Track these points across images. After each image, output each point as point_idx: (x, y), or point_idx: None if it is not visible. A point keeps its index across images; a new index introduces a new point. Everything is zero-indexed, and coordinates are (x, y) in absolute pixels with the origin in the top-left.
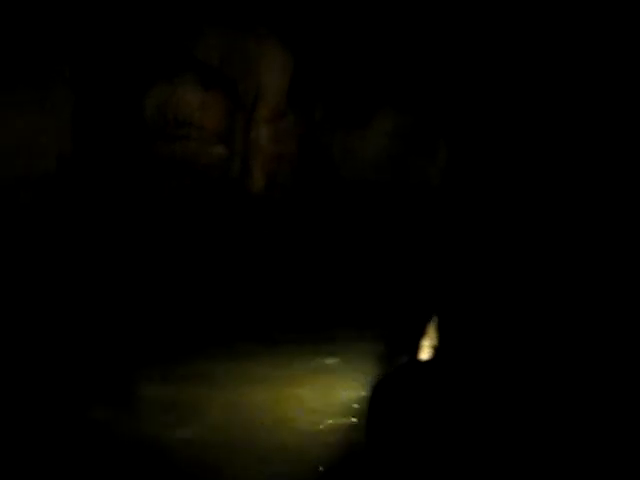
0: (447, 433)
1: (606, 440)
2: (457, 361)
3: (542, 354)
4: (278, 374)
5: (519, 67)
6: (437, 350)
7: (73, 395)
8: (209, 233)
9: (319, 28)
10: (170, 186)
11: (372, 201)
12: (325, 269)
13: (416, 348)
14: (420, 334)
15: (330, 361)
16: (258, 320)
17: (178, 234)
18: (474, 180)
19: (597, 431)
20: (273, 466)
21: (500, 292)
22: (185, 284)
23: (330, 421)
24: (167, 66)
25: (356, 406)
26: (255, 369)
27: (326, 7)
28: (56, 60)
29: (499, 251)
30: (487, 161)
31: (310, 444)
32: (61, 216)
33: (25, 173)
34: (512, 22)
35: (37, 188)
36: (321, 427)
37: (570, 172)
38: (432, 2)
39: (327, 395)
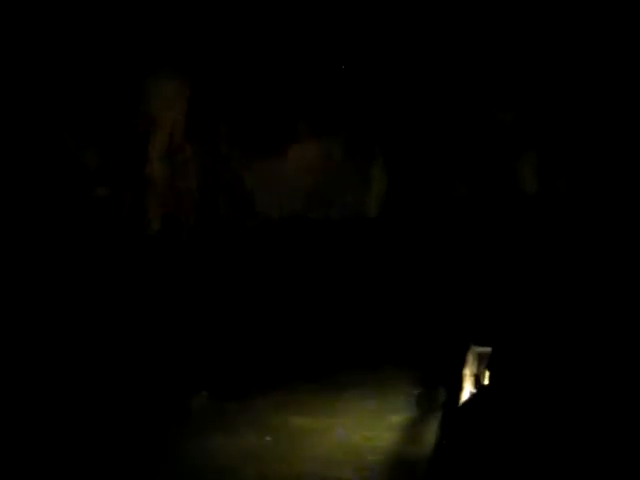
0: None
1: None
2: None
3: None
4: None
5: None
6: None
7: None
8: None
9: (218, 51)
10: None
11: (293, 238)
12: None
13: (459, 377)
14: (460, 364)
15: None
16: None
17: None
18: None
19: None
20: None
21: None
22: None
23: None
24: None
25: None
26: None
27: (227, 29)
28: None
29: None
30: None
31: None
32: None
33: None
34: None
35: None
36: None
37: None
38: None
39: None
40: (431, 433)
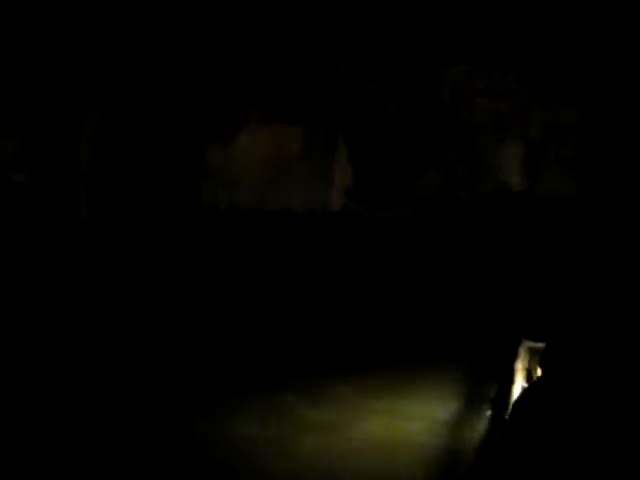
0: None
1: None
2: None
3: None
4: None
5: None
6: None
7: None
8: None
9: (163, 30)
10: None
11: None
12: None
13: (511, 372)
14: (512, 358)
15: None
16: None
17: None
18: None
19: None
20: None
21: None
22: None
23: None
24: None
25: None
26: None
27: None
28: None
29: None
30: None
31: None
32: None
33: None
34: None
35: None
36: None
37: None
38: None
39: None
40: (481, 426)
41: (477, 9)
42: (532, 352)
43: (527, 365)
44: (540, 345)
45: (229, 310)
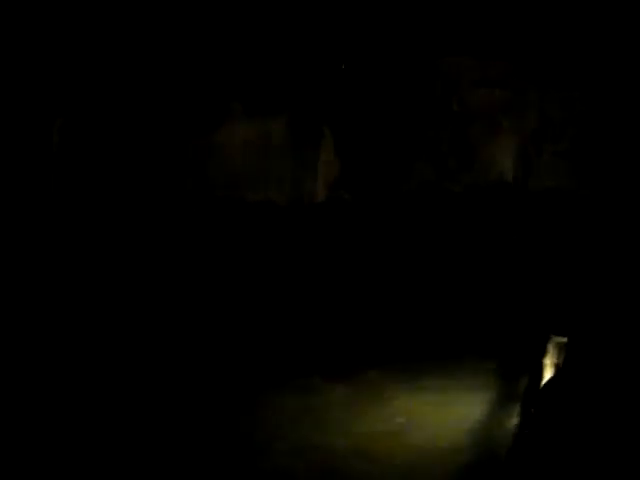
0: None
1: None
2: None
3: None
4: None
5: None
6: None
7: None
8: None
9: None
10: None
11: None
12: None
13: (539, 367)
14: (541, 353)
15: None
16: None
17: None
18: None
19: None
20: None
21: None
22: None
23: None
24: None
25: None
26: None
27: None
28: None
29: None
30: None
31: None
32: None
33: None
34: None
35: None
36: None
37: None
38: None
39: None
40: (512, 422)
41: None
42: (561, 347)
43: (556, 360)
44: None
45: (227, 305)
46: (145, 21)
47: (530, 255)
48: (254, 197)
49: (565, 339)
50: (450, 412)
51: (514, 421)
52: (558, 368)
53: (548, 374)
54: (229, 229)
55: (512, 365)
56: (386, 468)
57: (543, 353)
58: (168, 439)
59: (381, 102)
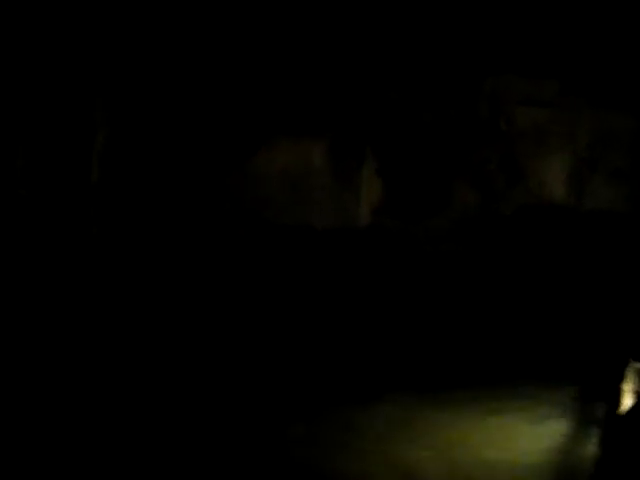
0: None
1: None
2: None
3: None
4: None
5: None
6: None
7: None
8: None
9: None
10: None
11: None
12: None
13: (617, 393)
14: (619, 379)
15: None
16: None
17: None
18: None
19: None
20: None
21: None
22: None
23: None
24: None
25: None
26: None
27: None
28: None
29: None
30: None
31: None
32: None
33: None
34: None
35: None
36: None
37: None
38: None
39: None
40: (590, 449)
41: (515, 13)
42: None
43: (636, 387)
44: None
45: (263, 327)
46: (187, 46)
47: (599, 278)
48: (293, 221)
49: None
50: (530, 436)
51: (593, 448)
52: (638, 395)
53: (627, 400)
54: (267, 253)
55: (591, 391)
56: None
57: (621, 379)
58: None
59: (425, 123)
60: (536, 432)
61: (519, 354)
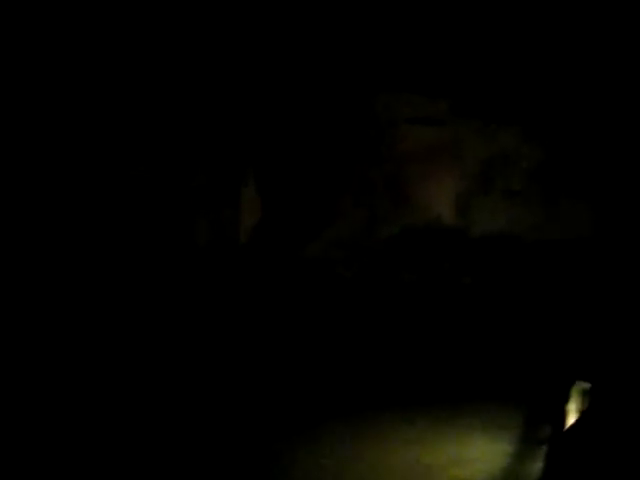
0: None
1: None
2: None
3: None
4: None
5: None
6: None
7: None
8: None
9: None
10: None
11: None
12: None
13: (562, 413)
14: (564, 399)
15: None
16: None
17: None
18: None
19: None
20: None
21: None
22: None
23: None
24: None
25: None
26: None
27: None
28: None
29: None
30: None
31: None
32: None
33: None
34: None
35: None
36: None
37: None
38: None
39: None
40: (534, 468)
41: (405, 28)
42: (586, 393)
43: (580, 406)
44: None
45: None
46: None
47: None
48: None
49: (589, 385)
50: (473, 454)
51: (538, 466)
52: (582, 414)
53: (572, 420)
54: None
55: (536, 410)
56: None
57: (567, 399)
58: None
59: (311, 141)
60: (482, 451)
61: (472, 375)
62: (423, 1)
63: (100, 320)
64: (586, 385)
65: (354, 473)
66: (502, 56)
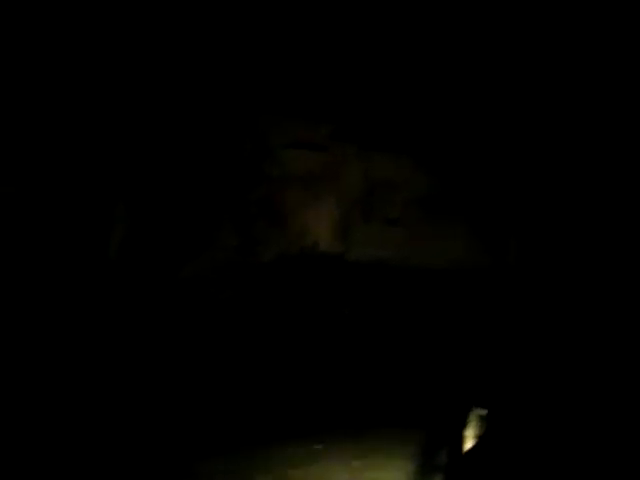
0: None
1: None
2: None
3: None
4: None
5: None
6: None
7: None
8: None
9: None
10: None
11: None
12: None
13: (459, 439)
14: (462, 425)
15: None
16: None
17: None
18: None
19: None
20: None
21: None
22: None
23: None
24: None
25: None
26: None
27: None
28: None
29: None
30: None
31: None
32: None
33: None
34: None
35: None
36: None
37: None
38: None
39: None
40: None
41: (286, 53)
42: (483, 419)
43: (479, 432)
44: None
45: None
46: None
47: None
48: None
49: (485, 411)
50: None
51: None
52: (479, 439)
53: (469, 445)
54: None
55: (434, 436)
56: None
57: (464, 424)
58: None
59: (187, 162)
60: (378, 477)
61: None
62: (310, 31)
63: None
64: (482, 411)
65: None
66: (383, 85)
